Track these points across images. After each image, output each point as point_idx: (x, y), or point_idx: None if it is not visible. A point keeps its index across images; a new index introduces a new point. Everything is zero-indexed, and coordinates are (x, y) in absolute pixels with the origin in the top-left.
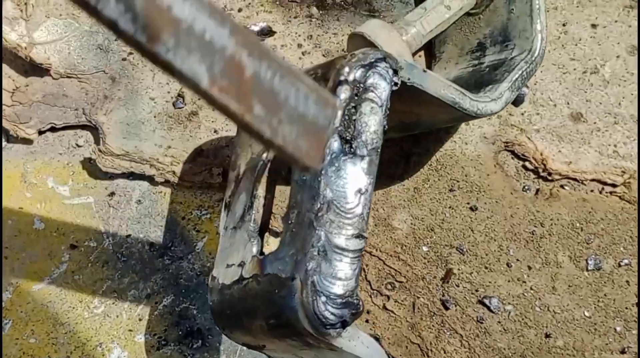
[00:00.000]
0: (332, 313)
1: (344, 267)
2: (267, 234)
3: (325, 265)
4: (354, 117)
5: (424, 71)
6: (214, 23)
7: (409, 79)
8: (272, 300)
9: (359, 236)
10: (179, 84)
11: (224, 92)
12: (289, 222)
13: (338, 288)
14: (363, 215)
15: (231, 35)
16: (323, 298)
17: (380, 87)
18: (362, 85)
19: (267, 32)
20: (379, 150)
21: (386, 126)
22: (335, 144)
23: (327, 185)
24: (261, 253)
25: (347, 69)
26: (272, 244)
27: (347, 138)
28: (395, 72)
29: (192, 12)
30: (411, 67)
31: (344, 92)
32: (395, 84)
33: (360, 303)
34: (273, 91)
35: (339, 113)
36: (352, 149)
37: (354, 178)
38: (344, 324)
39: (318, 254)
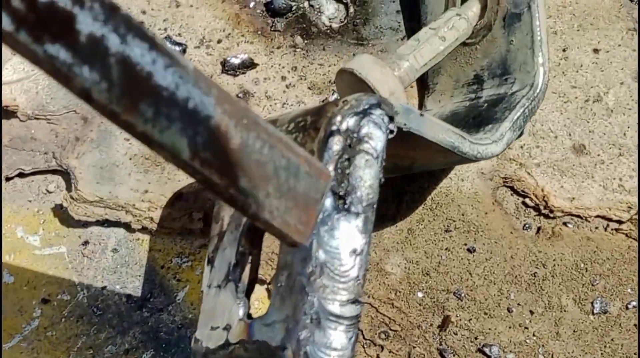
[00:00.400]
0: None
1: (339, 336)
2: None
3: (319, 334)
4: (347, 171)
5: (421, 115)
6: (198, 91)
7: (405, 124)
8: None
9: (355, 301)
10: (160, 155)
11: (206, 165)
12: (279, 285)
13: None
14: (359, 278)
15: (217, 104)
16: None
17: (376, 137)
18: (355, 135)
19: (249, 64)
20: (375, 206)
21: (382, 179)
22: (327, 200)
23: (319, 246)
24: (249, 315)
25: (339, 118)
26: (257, 291)
27: (341, 193)
28: (391, 119)
29: (174, 80)
30: (408, 111)
31: (336, 144)
32: (392, 131)
33: None
34: (261, 162)
35: (331, 168)
36: (346, 206)
37: (348, 238)
38: None
39: (311, 322)
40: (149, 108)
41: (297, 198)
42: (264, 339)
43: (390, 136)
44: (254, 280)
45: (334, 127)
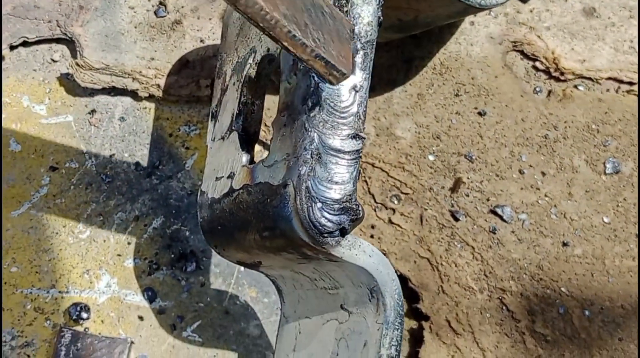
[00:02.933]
0: (329, 220)
1: (341, 170)
2: (257, 145)
3: (320, 168)
4: (345, 9)
5: None
6: None
7: None
8: (264, 210)
9: (355, 136)
10: None
11: None
12: (280, 126)
13: (335, 193)
14: (359, 114)
15: None
16: (319, 204)
17: None
18: None
19: None
20: (374, 43)
21: (381, 18)
22: None
23: (319, 82)
24: (251, 162)
25: None
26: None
27: None
28: None
29: None
30: None
31: None
32: None
33: (360, 208)
34: None
35: None
36: None
37: None
38: (343, 232)
39: (311, 157)
40: None
41: (331, 32)
42: (266, 180)
43: None
44: (257, 130)
45: None
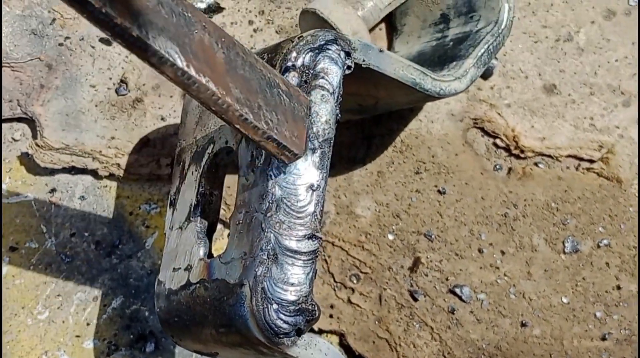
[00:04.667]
0: (284, 322)
1: (297, 271)
2: (220, 226)
3: (276, 269)
4: None
5: (381, 51)
6: (179, 8)
7: (364, 60)
8: (220, 307)
9: (311, 237)
10: (156, 69)
11: (201, 72)
12: (237, 223)
13: (290, 295)
14: (316, 213)
15: (197, 21)
16: (274, 306)
17: (332, 72)
18: (311, 71)
19: (215, 8)
20: (332, 141)
21: (339, 115)
22: None
23: (275, 182)
24: (209, 255)
25: (294, 54)
26: (225, 237)
27: None
28: (348, 54)
29: None
30: (366, 47)
31: (291, 79)
32: (349, 67)
33: (316, 308)
34: (246, 77)
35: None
36: None
37: (304, 174)
38: (299, 332)
39: (268, 258)
40: (139, 16)
41: (286, 112)
42: (222, 277)
43: (348, 71)
44: (215, 221)
45: (289, 64)
